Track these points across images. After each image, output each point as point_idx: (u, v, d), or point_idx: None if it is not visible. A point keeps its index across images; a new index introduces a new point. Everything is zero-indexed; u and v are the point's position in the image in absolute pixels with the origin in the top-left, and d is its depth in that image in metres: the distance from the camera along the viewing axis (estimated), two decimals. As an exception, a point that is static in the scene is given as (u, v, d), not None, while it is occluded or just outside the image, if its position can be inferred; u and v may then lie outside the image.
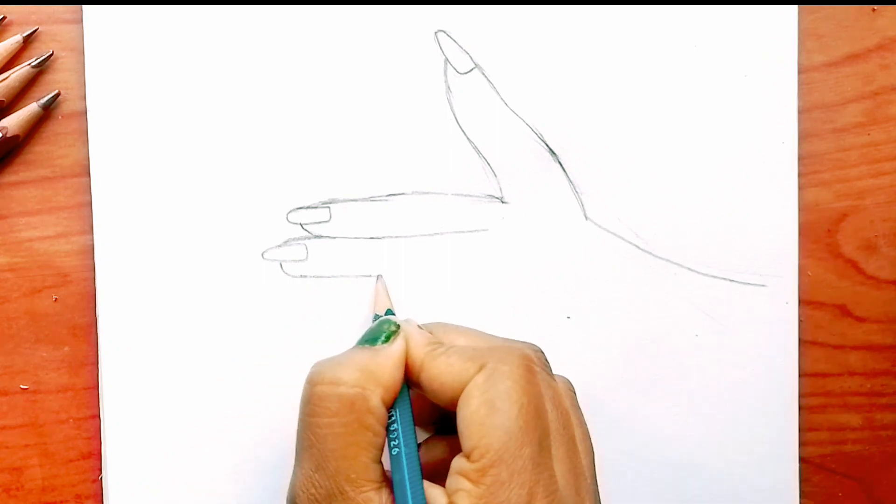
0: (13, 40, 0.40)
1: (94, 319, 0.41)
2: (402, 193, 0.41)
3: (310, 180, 0.41)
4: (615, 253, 0.42)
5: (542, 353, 0.35)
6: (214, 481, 0.41)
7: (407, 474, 0.33)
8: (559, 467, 0.33)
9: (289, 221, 0.41)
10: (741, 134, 0.42)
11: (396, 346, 0.35)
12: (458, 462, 0.32)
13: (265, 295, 0.41)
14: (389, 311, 0.40)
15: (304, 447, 0.33)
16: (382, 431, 0.33)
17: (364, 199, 0.41)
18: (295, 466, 0.34)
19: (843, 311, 0.43)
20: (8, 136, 0.40)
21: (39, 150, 0.41)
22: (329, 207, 0.41)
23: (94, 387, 0.41)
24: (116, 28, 0.40)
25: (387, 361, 0.34)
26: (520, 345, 0.35)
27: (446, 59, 0.41)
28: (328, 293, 0.41)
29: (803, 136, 0.43)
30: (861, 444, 0.44)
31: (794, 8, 0.42)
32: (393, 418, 0.34)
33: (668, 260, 0.42)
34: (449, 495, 0.32)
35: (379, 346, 0.35)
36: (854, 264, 0.43)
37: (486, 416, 0.32)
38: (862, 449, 0.44)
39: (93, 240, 0.40)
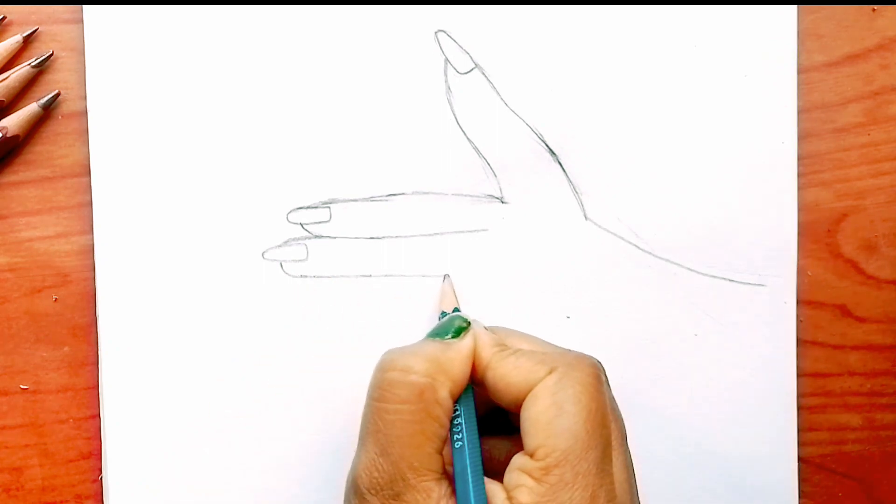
0: (13, 40, 0.40)
1: (94, 319, 0.41)
2: (402, 193, 0.41)
3: (310, 180, 0.41)
4: (615, 253, 0.42)
5: (602, 366, 0.36)
6: (214, 481, 0.41)
7: (469, 467, 0.34)
8: (618, 476, 0.34)
9: (289, 221, 0.41)
10: (741, 134, 0.42)
11: (466, 342, 0.36)
12: (520, 459, 0.33)
13: (265, 295, 0.41)
14: (456, 310, 0.40)
15: (371, 431, 0.34)
16: (447, 424, 0.34)
17: (364, 199, 0.41)
18: (358, 449, 0.34)
19: (843, 311, 0.43)
20: (8, 136, 0.40)
21: (39, 150, 0.41)
22: (329, 207, 0.41)
23: (94, 387, 0.41)
24: (116, 28, 0.40)
25: (457, 356, 0.35)
26: (586, 355, 0.36)
27: (446, 59, 0.41)
28: (328, 293, 0.41)
29: (803, 136, 0.43)
30: (861, 444, 0.44)
31: (793, 8, 0.42)
32: (457, 412, 0.35)
33: (667, 260, 0.42)
34: (508, 490, 0.33)
35: (450, 340, 0.36)
36: (854, 264, 0.43)
37: (555, 417, 0.33)
38: (862, 449, 0.44)
39: (93, 240, 0.40)
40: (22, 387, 0.41)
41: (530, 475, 0.33)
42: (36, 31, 0.40)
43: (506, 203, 0.42)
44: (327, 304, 0.41)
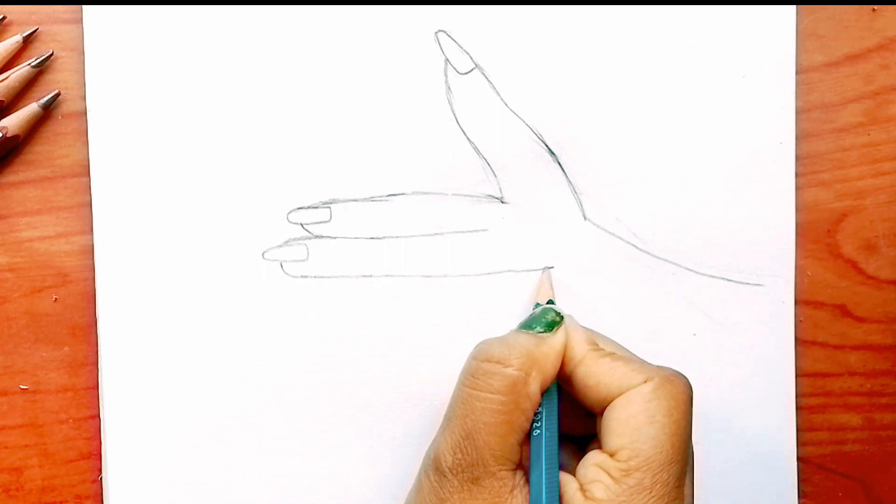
0: (13, 40, 0.40)
1: (94, 319, 0.41)
2: (403, 193, 0.41)
3: (310, 180, 0.41)
4: (614, 253, 0.42)
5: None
6: (214, 481, 0.41)
7: (546, 458, 0.35)
8: (687, 499, 0.35)
9: (289, 221, 0.41)
10: (740, 134, 0.42)
11: (559, 337, 0.36)
12: (598, 456, 0.34)
13: (265, 295, 0.41)
14: (551, 302, 0.41)
15: (459, 415, 0.35)
16: (532, 416, 0.35)
17: (364, 199, 0.41)
18: (443, 429, 0.35)
19: (843, 311, 0.43)
20: (8, 136, 0.39)
21: (39, 150, 0.41)
22: (330, 207, 0.41)
23: (94, 387, 0.41)
24: (116, 28, 0.40)
25: (550, 351, 0.36)
26: (681, 373, 0.36)
27: (446, 59, 0.41)
28: (329, 293, 0.41)
29: (803, 137, 0.43)
30: (861, 444, 0.44)
31: (792, 8, 0.42)
32: (541, 406, 0.36)
33: (666, 260, 0.42)
34: (582, 483, 0.34)
35: (544, 334, 0.36)
36: (854, 264, 0.43)
37: (645, 424, 0.34)
38: (862, 449, 0.44)
39: (93, 240, 0.40)
40: (22, 387, 0.41)
41: (609, 473, 0.33)
42: (36, 31, 0.40)
43: (506, 203, 0.42)
44: (327, 305, 0.41)
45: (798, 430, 0.43)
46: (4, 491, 0.41)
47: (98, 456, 0.41)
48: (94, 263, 0.40)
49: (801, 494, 0.43)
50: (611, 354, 0.36)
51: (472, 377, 0.35)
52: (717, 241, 0.43)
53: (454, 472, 0.34)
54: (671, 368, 0.36)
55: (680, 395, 0.35)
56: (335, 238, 0.41)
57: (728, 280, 0.43)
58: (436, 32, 0.41)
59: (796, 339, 0.43)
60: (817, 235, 0.43)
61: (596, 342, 0.37)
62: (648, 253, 0.42)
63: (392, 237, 0.41)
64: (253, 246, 0.41)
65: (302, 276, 0.41)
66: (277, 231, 0.41)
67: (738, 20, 0.42)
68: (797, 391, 0.43)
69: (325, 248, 0.41)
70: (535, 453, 0.35)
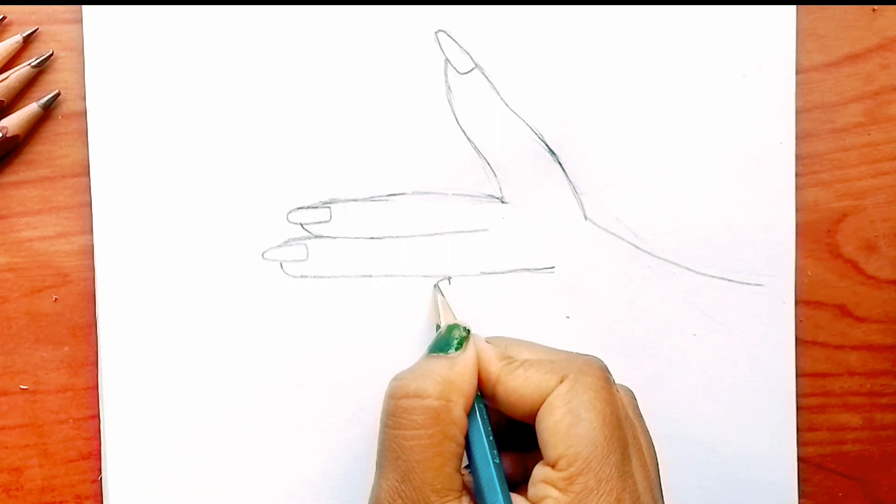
0: (13, 40, 0.40)
1: (94, 319, 0.41)
2: (402, 193, 0.41)
3: (310, 180, 0.41)
4: (614, 253, 0.42)
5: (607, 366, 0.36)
6: (214, 481, 0.41)
7: (497, 479, 0.34)
8: (637, 475, 0.34)
9: (289, 221, 0.41)
10: (740, 134, 0.42)
11: (470, 352, 0.36)
12: (542, 471, 0.34)
13: (265, 295, 0.41)
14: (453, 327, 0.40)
15: (390, 459, 0.34)
16: (463, 441, 0.35)
17: (364, 199, 0.41)
18: (378, 478, 0.35)
19: (843, 311, 0.43)
20: (8, 136, 0.39)
21: (39, 150, 0.41)
22: (329, 207, 0.41)
23: (94, 387, 0.41)
24: (116, 28, 0.40)
25: (464, 370, 0.35)
26: (592, 357, 0.36)
27: (446, 59, 0.41)
28: (328, 293, 0.41)
29: (803, 137, 0.43)
30: (861, 444, 0.44)
31: (792, 8, 0.42)
32: (470, 426, 0.35)
33: (666, 260, 0.42)
34: (534, 503, 0.33)
35: (453, 354, 0.36)
36: (854, 264, 0.43)
37: (572, 426, 0.33)
38: (862, 449, 0.44)
39: (93, 240, 0.40)
40: (22, 387, 0.41)
41: (555, 486, 0.33)
42: (36, 31, 0.40)
43: (506, 203, 0.42)
44: (327, 304, 0.41)
45: (798, 430, 0.43)
46: (4, 491, 0.41)
47: (98, 456, 0.41)
48: (94, 263, 0.40)
49: (801, 494, 0.43)
50: (523, 363, 0.35)
51: (393, 417, 0.34)
52: (717, 241, 0.43)
53: None
54: (583, 357, 0.36)
55: (597, 383, 0.34)
56: (335, 238, 0.41)
57: (728, 280, 0.43)
58: (436, 32, 0.41)
59: (796, 339, 0.43)
60: (817, 235, 0.43)
61: (508, 354, 0.36)
62: (648, 253, 0.42)
63: (392, 237, 0.41)
64: (253, 246, 0.41)
65: (302, 276, 0.41)
66: (277, 231, 0.41)
67: (738, 20, 0.42)
68: (797, 391, 0.43)
69: (325, 248, 0.41)
70: (482, 480, 0.34)
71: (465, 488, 0.34)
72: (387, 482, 0.34)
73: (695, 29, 0.42)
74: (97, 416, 0.41)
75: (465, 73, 0.41)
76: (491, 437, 0.35)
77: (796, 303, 0.43)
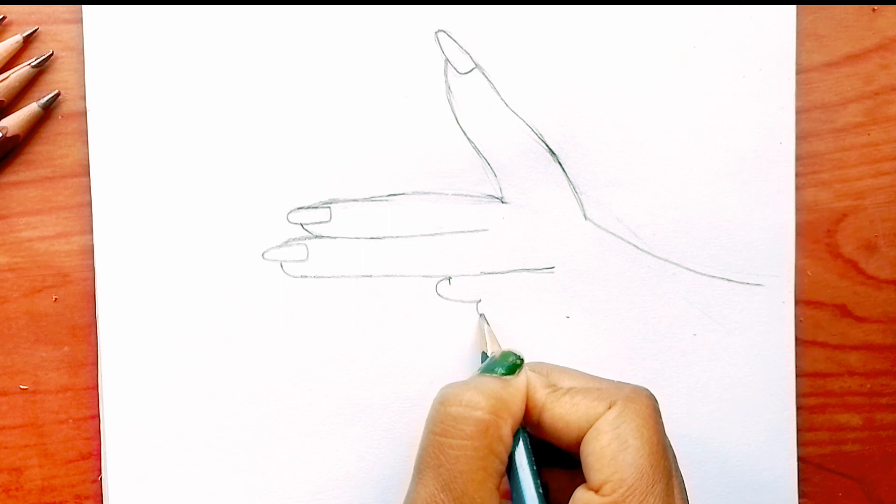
0: (13, 40, 0.40)
1: (94, 319, 0.41)
2: (402, 193, 0.41)
3: (310, 180, 0.41)
4: (614, 253, 0.42)
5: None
6: (214, 481, 0.41)
7: (534, 500, 0.34)
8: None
9: (289, 221, 0.41)
10: (739, 134, 0.42)
11: (522, 378, 0.36)
12: (584, 494, 0.34)
13: (265, 295, 0.41)
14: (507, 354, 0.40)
15: (431, 465, 0.34)
16: (506, 461, 0.35)
17: (364, 199, 0.41)
18: (415, 482, 0.35)
19: (843, 311, 0.43)
20: (8, 136, 0.39)
21: (39, 150, 0.41)
22: (329, 207, 0.41)
23: (94, 387, 0.41)
24: (116, 28, 0.40)
25: (517, 393, 0.35)
26: (639, 386, 0.36)
27: (446, 59, 0.41)
28: (329, 293, 0.41)
29: (803, 136, 0.43)
30: (861, 444, 0.44)
31: (792, 8, 0.42)
32: (514, 450, 0.35)
33: (666, 260, 0.42)
34: None
35: (507, 377, 0.36)
36: (854, 264, 0.43)
37: (619, 452, 0.33)
38: (862, 449, 0.44)
39: (93, 240, 0.40)
40: (22, 387, 0.41)
41: None
42: (36, 31, 0.40)
43: (506, 203, 0.42)
44: (327, 305, 0.41)
45: (798, 430, 0.43)
46: (4, 491, 0.41)
47: (98, 456, 0.41)
48: (94, 263, 0.40)
49: (801, 494, 0.43)
50: (569, 391, 0.36)
51: (441, 424, 0.34)
52: (717, 241, 0.43)
53: None
54: (631, 385, 0.36)
55: (645, 411, 0.35)
56: (335, 238, 0.41)
57: (728, 280, 0.43)
58: (436, 32, 0.41)
59: (796, 339, 0.43)
60: (817, 235, 0.43)
61: (553, 381, 0.37)
62: (649, 253, 0.42)
63: (392, 237, 0.41)
64: (253, 246, 0.41)
65: (302, 276, 0.41)
66: (277, 231, 0.41)
67: (738, 20, 0.42)
68: (797, 391, 0.43)
69: (325, 248, 0.41)
70: (519, 499, 0.35)
71: None
72: (425, 488, 0.34)
73: (695, 29, 0.42)
74: (97, 416, 0.41)
75: (465, 73, 0.41)
76: (535, 467, 0.35)
77: (796, 303, 0.43)
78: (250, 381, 0.41)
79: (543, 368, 0.38)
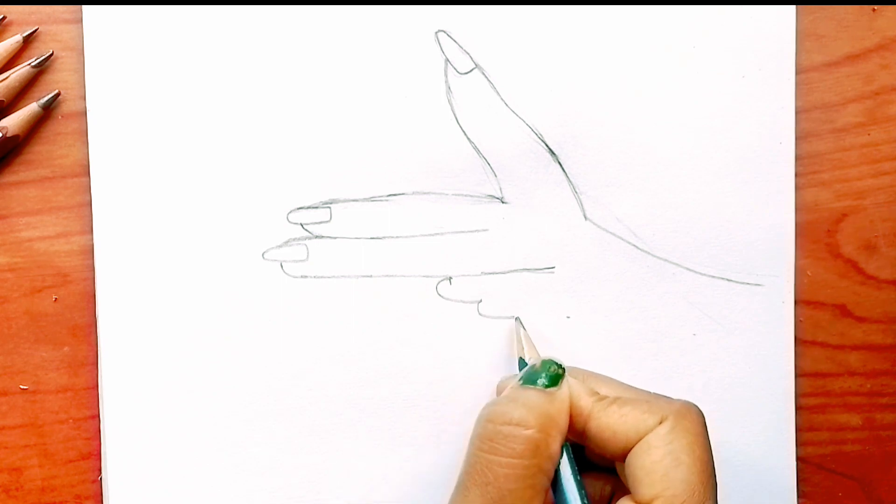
0: (13, 40, 0.40)
1: (94, 319, 0.41)
2: (402, 193, 0.41)
3: (310, 180, 0.41)
4: (614, 253, 0.42)
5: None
6: (214, 481, 0.41)
7: None
8: None
9: (289, 221, 0.41)
10: (739, 135, 0.42)
11: (565, 390, 0.36)
12: None
13: (265, 295, 0.41)
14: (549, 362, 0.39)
15: (479, 483, 0.34)
16: (552, 475, 0.34)
17: (364, 199, 0.41)
18: (460, 498, 0.34)
19: (843, 311, 0.43)
20: (8, 136, 0.39)
21: (39, 150, 0.41)
22: (330, 207, 0.41)
23: (94, 387, 0.41)
24: (116, 28, 0.40)
25: (562, 407, 0.35)
26: (689, 402, 0.36)
27: (446, 59, 0.41)
28: (329, 293, 0.41)
29: (803, 137, 0.43)
30: (861, 444, 0.44)
31: (792, 8, 0.42)
32: (562, 464, 0.35)
33: (666, 260, 0.42)
34: None
35: (551, 389, 0.35)
36: (854, 264, 0.43)
37: (671, 468, 0.33)
38: (862, 449, 0.44)
39: (93, 240, 0.40)
40: (22, 387, 0.41)
41: None
42: (36, 31, 0.40)
43: (506, 203, 0.42)
44: (327, 305, 0.41)
45: (798, 430, 0.43)
46: (4, 491, 0.41)
47: (98, 456, 0.41)
48: (94, 263, 0.40)
49: (801, 494, 0.43)
50: (617, 400, 0.35)
51: (490, 442, 0.34)
52: (717, 241, 0.43)
53: None
54: (680, 401, 0.36)
55: (696, 428, 0.35)
56: (335, 238, 0.41)
57: (728, 280, 0.43)
58: (436, 32, 0.41)
59: (796, 339, 0.43)
60: (817, 235, 0.43)
61: (595, 389, 0.36)
62: (649, 253, 0.42)
63: (392, 237, 0.41)
64: (253, 246, 0.41)
65: (302, 276, 0.41)
66: (277, 231, 0.41)
67: (738, 20, 0.42)
68: (797, 391, 0.43)
69: (325, 248, 0.41)
70: None
71: None
72: None
73: (695, 29, 0.42)
74: (97, 416, 0.41)
75: (465, 73, 0.41)
76: (579, 477, 0.35)
77: (796, 303, 0.43)
78: (250, 381, 0.41)
79: (580, 374, 0.38)
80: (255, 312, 0.41)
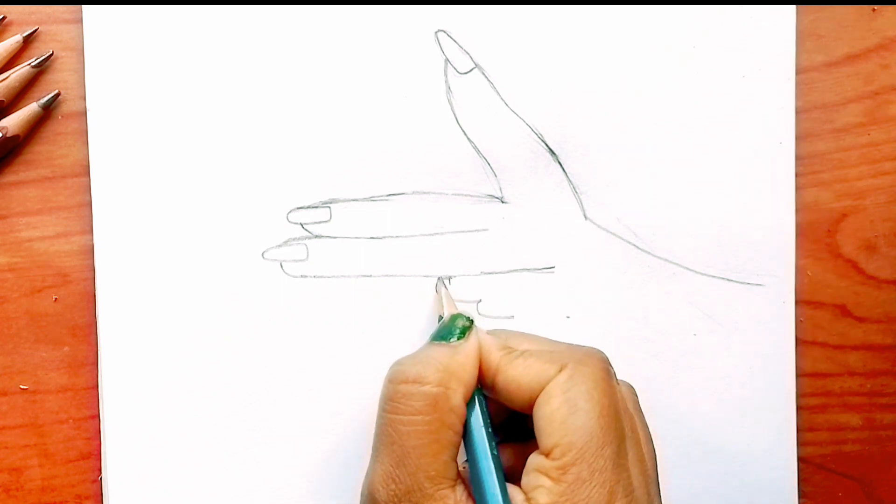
0: (13, 40, 0.40)
1: (94, 319, 0.41)
2: (402, 193, 0.41)
3: (310, 180, 0.41)
4: (614, 253, 0.42)
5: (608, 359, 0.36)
6: (214, 481, 0.41)
7: (494, 469, 0.34)
8: (633, 469, 0.34)
9: (289, 221, 0.41)
10: (740, 134, 0.42)
11: (472, 342, 0.36)
12: (536, 459, 0.33)
13: (265, 295, 0.41)
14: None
15: (385, 443, 0.34)
16: (461, 430, 0.34)
17: (364, 199, 0.41)
18: (373, 461, 0.35)
19: (843, 311, 0.43)
20: (8, 136, 0.39)
21: (39, 150, 0.41)
22: (329, 207, 0.41)
23: (94, 387, 0.41)
24: (116, 28, 0.40)
25: (466, 359, 0.35)
26: (593, 349, 0.36)
27: (446, 59, 0.41)
28: (328, 293, 0.41)
29: (803, 136, 0.43)
30: (861, 444, 0.44)
31: (792, 8, 0.42)
32: (469, 415, 0.35)
33: (666, 260, 0.42)
34: (526, 492, 0.33)
35: (456, 342, 0.36)
36: (854, 264, 0.43)
37: (568, 415, 0.33)
38: (862, 449, 0.44)
39: (93, 240, 0.40)
40: (22, 387, 0.41)
41: (547, 475, 0.33)
42: (36, 31, 0.40)
43: (506, 203, 0.42)
44: (327, 304, 0.41)
45: (798, 430, 0.43)
46: (4, 491, 0.41)
47: (98, 456, 0.41)
48: (94, 263, 0.40)
49: (801, 494, 0.43)
50: (523, 353, 0.35)
51: (391, 402, 0.34)
52: (717, 241, 0.43)
53: (392, 503, 0.33)
54: (584, 347, 0.36)
55: (596, 374, 0.34)
56: (335, 238, 0.41)
57: (728, 280, 0.43)
58: (436, 32, 0.41)
59: (796, 339, 0.43)
60: (817, 235, 0.43)
61: (508, 344, 0.36)
62: (649, 253, 0.42)
63: (392, 237, 0.41)
64: (253, 246, 0.41)
65: (302, 276, 0.41)
66: (277, 231, 0.41)
67: (738, 20, 0.42)
68: (797, 391, 0.43)
69: (325, 248, 0.41)
70: (480, 470, 0.34)
71: (461, 478, 0.34)
72: (381, 466, 0.34)
73: (695, 29, 0.42)
74: (97, 416, 0.41)
75: (465, 73, 0.41)
76: (489, 429, 0.35)
77: (796, 303, 0.43)
78: (250, 381, 0.41)
79: (502, 334, 0.37)
80: (254, 312, 0.41)
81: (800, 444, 0.43)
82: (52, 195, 0.41)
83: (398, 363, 0.35)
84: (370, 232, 0.41)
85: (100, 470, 0.41)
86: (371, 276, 0.41)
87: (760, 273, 0.43)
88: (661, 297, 0.42)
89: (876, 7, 0.43)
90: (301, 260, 0.41)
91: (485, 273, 0.42)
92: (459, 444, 0.34)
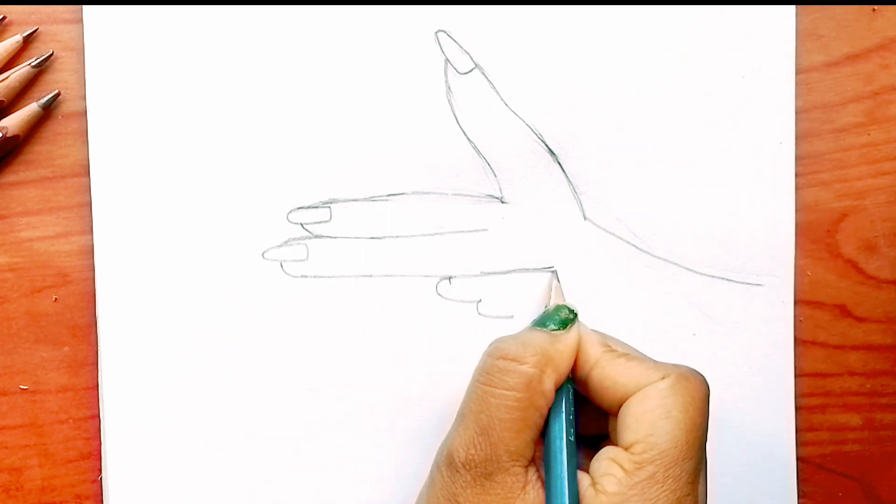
0: (13, 40, 0.40)
1: (94, 319, 0.41)
2: (403, 193, 0.41)
3: (310, 180, 0.41)
4: (614, 253, 0.42)
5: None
6: (214, 481, 0.41)
7: (566, 453, 0.35)
8: (700, 490, 0.35)
9: (289, 221, 0.41)
10: (739, 134, 0.42)
11: (573, 335, 0.37)
12: (612, 450, 0.34)
13: (265, 295, 0.41)
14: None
15: (473, 411, 0.35)
16: (546, 414, 0.35)
17: (364, 199, 0.41)
18: (457, 425, 0.36)
19: (843, 311, 0.43)
20: (8, 136, 0.39)
21: (39, 150, 0.41)
22: (330, 207, 0.41)
23: (94, 387, 0.41)
24: (116, 28, 0.40)
25: (565, 349, 0.36)
26: (697, 371, 0.36)
27: (446, 59, 0.41)
28: (329, 293, 0.41)
29: (803, 136, 0.43)
30: (861, 444, 0.44)
31: (792, 8, 0.42)
32: (555, 402, 0.36)
33: (666, 260, 0.42)
34: (594, 477, 0.34)
35: (557, 331, 0.37)
36: (854, 264, 0.43)
37: (661, 419, 0.34)
38: (862, 449, 0.44)
39: (93, 240, 0.40)
40: (22, 387, 0.41)
41: (621, 465, 0.33)
42: (36, 31, 0.40)
43: (506, 203, 0.42)
44: (327, 305, 0.41)
45: (798, 430, 0.43)
46: (4, 491, 0.41)
47: (98, 456, 0.41)
48: (94, 263, 0.40)
49: (801, 494, 0.43)
50: (625, 355, 0.36)
51: (487, 374, 0.35)
52: (717, 241, 0.43)
53: (467, 467, 0.34)
54: (688, 366, 0.36)
55: (696, 392, 0.35)
56: (335, 238, 0.41)
57: (728, 280, 0.43)
58: (436, 32, 0.41)
59: (796, 339, 0.43)
60: (817, 235, 0.43)
61: (609, 344, 0.37)
62: (648, 253, 0.42)
63: (392, 237, 0.41)
64: (253, 246, 0.41)
65: (302, 276, 0.41)
66: (277, 231, 0.41)
67: (738, 20, 0.42)
68: (797, 391, 0.43)
69: (325, 248, 0.41)
70: (553, 451, 0.35)
71: (536, 461, 0.35)
72: (466, 430, 0.35)
73: (695, 29, 0.42)
74: (97, 416, 0.41)
75: (465, 73, 0.41)
76: (571, 417, 0.36)
77: (796, 303, 0.43)
78: (250, 381, 0.41)
79: (607, 335, 0.38)
80: (255, 312, 0.41)
81: (799, 443, 0.43)
82: (52, 195, 0.41)
83: (500, 340, 0.36)
84: (370, 232, 0.41)
85: (100, 470, 0.41)
86: (371, 276, 0.41)
87: (760, 273, 0.43)
88: (661, 297, 0.42)
89: (876, 7, 0.43)
90: (301, 260, 0.41)
91: (484, 273, 0.42)
92: (542, 428, 0.35)
